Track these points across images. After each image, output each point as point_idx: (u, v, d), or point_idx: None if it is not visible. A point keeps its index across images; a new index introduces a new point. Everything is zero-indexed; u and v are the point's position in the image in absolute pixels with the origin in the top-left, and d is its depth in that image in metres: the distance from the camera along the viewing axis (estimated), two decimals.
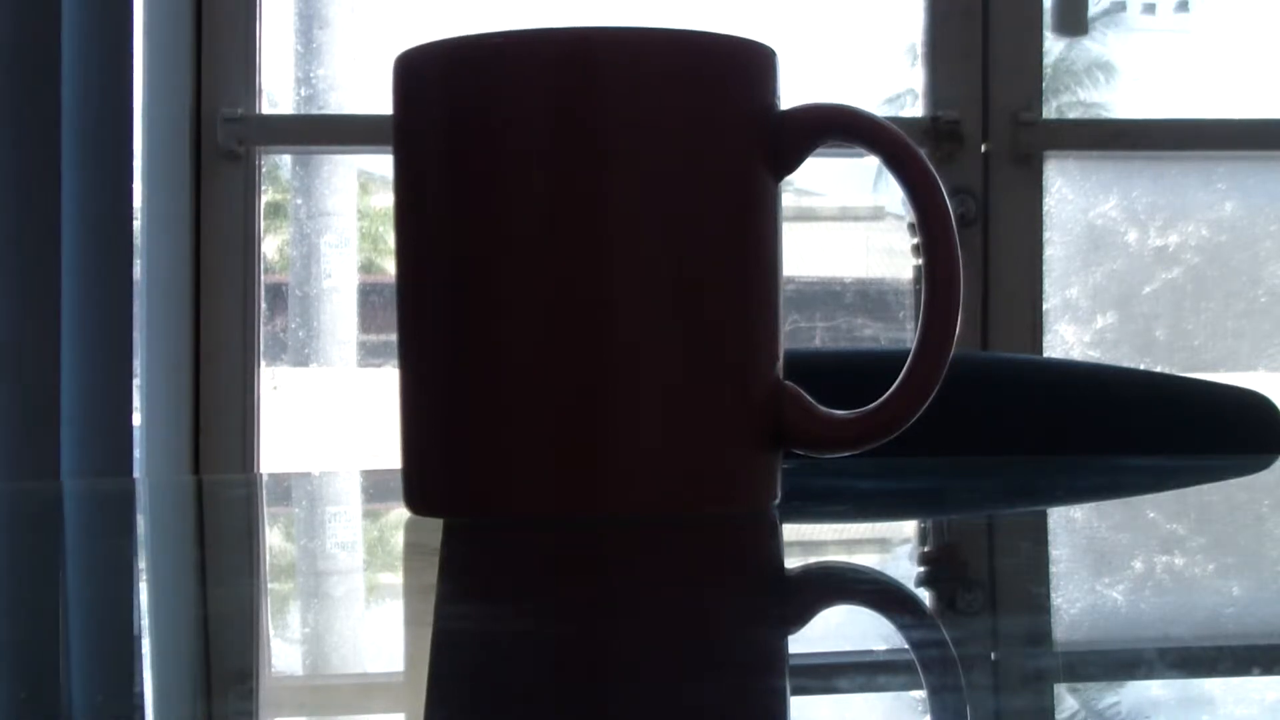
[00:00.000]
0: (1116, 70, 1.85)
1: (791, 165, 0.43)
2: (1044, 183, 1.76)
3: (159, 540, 0.46)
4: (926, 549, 0.43)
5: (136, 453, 1.56)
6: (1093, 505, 0.54)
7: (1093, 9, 1.79)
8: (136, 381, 1.56)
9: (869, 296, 1.86)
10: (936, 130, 1.72)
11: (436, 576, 0.36)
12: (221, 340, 1.69)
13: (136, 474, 1.58)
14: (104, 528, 0.50)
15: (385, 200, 1.90)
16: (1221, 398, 0.86)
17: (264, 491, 0.61)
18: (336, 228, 1.84)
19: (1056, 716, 0.23)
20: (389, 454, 0.46)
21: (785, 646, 0.28)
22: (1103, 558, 0.40)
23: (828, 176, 1.87)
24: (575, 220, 0.41)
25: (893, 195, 1.84)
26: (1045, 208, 1.76)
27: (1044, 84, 1.76)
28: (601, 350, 0.41)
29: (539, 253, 0.41)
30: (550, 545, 0.39)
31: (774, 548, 0.41)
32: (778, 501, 0.44)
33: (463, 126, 0.42)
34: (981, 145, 1.73)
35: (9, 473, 1.42)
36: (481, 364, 0.41)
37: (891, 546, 0.45)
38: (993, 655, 0.27)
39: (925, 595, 0.34)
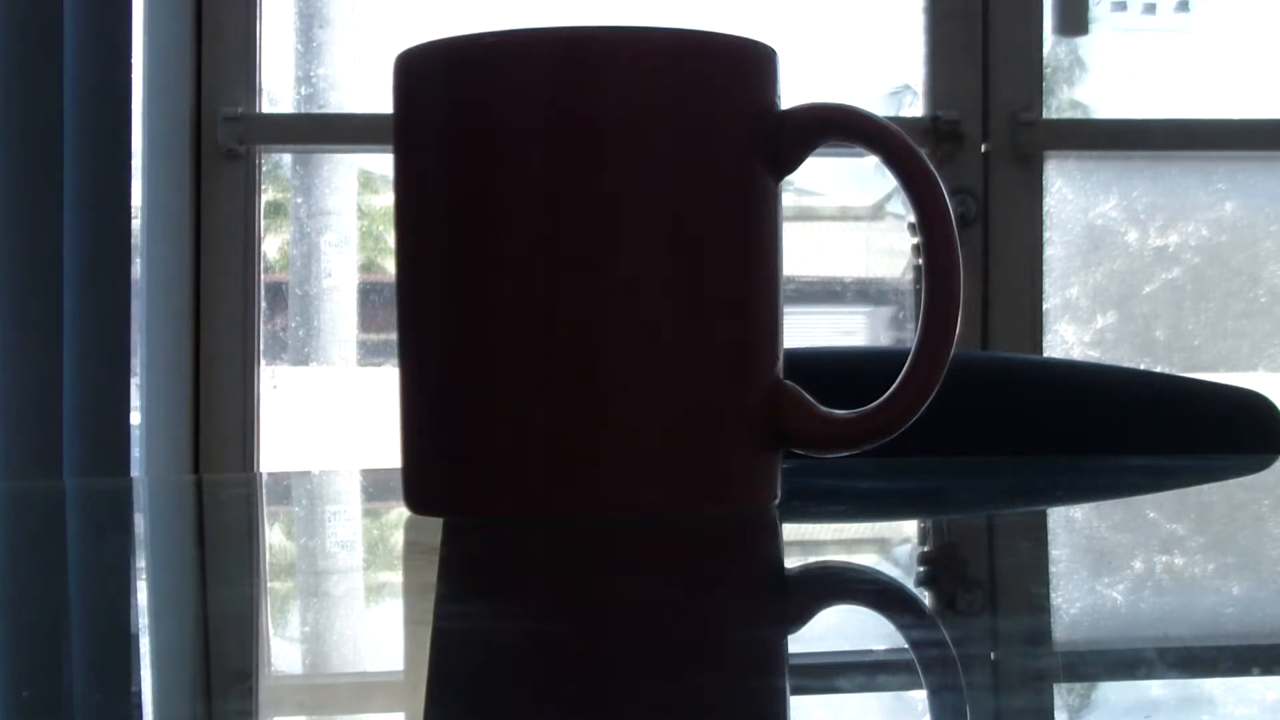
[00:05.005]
0: (1116, 70, 1.85)
1: (791, 165, 0.43)
2: (1044, 183, 1.76)
3: (159, 540, 0.46)
4: (926, 549, 0.43)
5: (136, 452, 1.56)
6: (1093, 505, 0.54)
7: (1093, 9, 1.79)
8: (136, 381, 1.56)
9: (869, 296, 1.86)
10: (936, 130, 1.72)
11: (436, 576, 0.36)
12: (221, 340, 1.69)
13: (137, 473, 1.58)
14: (104, 527, 0.50)
15: (385, 199, 1.90)
16: (1221, 398, 0.86)
17: (264, 491, 0.61)
18: (337, 227, 1.84)
19: (1056, 716, 0.23)
20: (389, 454, 0.46)
21: (785, 646, 0.28)
22: (1103, 558, 0.40)
23: (828, 176, 1.87)
24: (575, 220, 0.41)
25: (893, 194, 1.84)
26: (1045, 208, 1.76)
27: (1044, 84, 1.76)
28: (601, 350, 0.41)
29: (539, 252, 0.41)
30: (550, 545, 0.39)
31: (774, 548, 0.41)
32: (778, 501, 0.44)
33: (463, 126, 0.42)
34: (981, 145, 1.73)
35: (11, 472, 1.42)
36: (481, 364, 0.41)
37: (891, 546, 0.45)
38: (993, 655, 0.27)
39: (925, 595, 0.34)
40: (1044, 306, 1.76)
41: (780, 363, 0.43)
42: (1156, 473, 0.66)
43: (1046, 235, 1.77)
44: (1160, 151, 1.81)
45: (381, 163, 1.85)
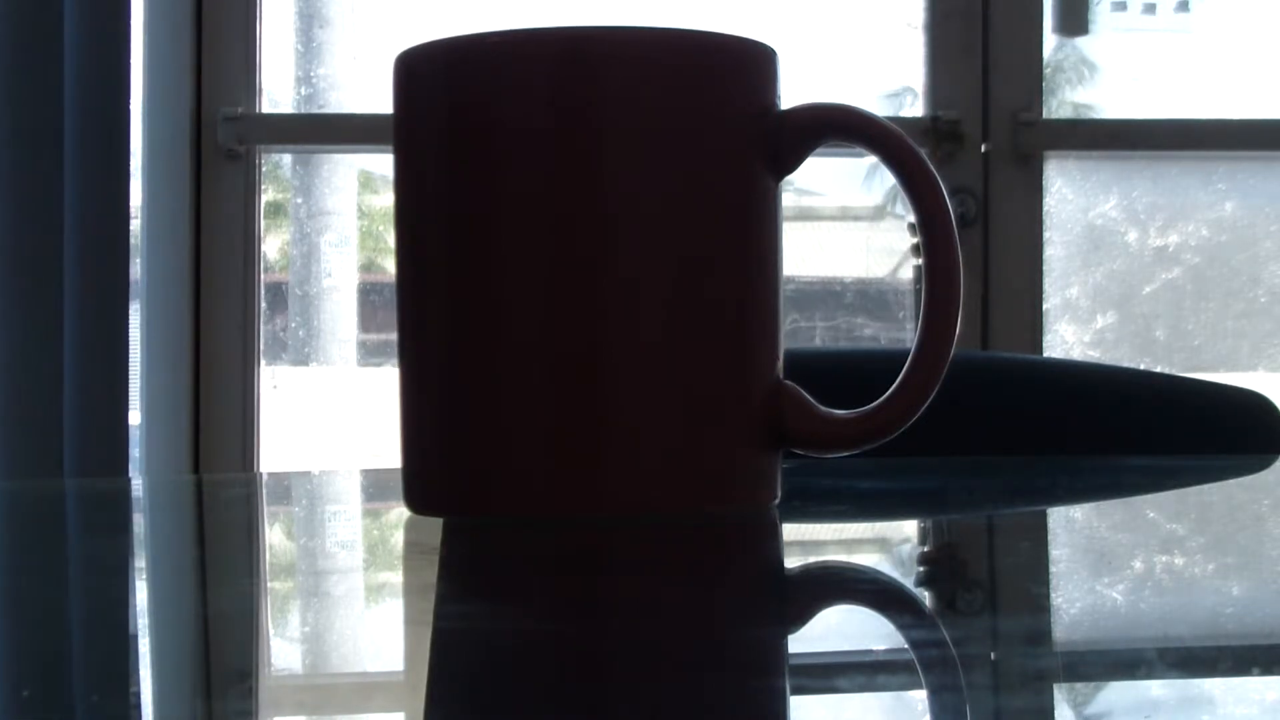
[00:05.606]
0: (1116, 70, 1.85)
1: (791, 165, 0.43)
2: (1044, 183, 1.76)
3: (159, 540, 0.46)
4: (926, 549, 0.43)
5: (136, 452, 1.56)
6: (1093, 505, 0.54)
7: (1093, 9, 1.79)
8: (136, 381, 1.56)
9: (869, 296, 1.86)
10: (936, 130, 1.72)
11: (436, 576, 0.36)
12: (221, 340, 1.69)
13: (137, 473, 1.58)
14: (104, 527, 0.50)
15: (385, 199, 1.90)
16: (1221, 398, 0.86)
17: (264, 491, 0.61)
18: (337, 227, 1.84)
19: (1056, 716, 0.23)
20: (389, 454, 0.46)
21: (785, 646, 0.28)
22: (1103, 558, 0.40)
23: (828, 176, 1.87)
24: (574, 220, 0.41)
25: (890, 194, 1.84)
26: (1045, 208, 1.76)
27: (1044, 84, 1.76)
28: (601, 350, 0.41)
29: (538, 252, 0.41)
30: (550, 545, 0.39)
31: (774, 548, 0.41)
32: (778, 501, 0.44)
33: (463, 126, 0.42)
34: (981, 145, 1.73)
35: (11, 472, 1.42)
36: (481, 363, 0.41)
37: (891, 546, 0.45)
38: (993, 655, 0.27)
39: (925, 595, 0.34)
40: (1044, 306, 1.76)
41: (780, 363, 0.43)
42: (1156, 473, 0.66)
43: (1046, 235, 1.77)
44: (1160, 151, 1.81)
45: (381, 163, 1.85)
